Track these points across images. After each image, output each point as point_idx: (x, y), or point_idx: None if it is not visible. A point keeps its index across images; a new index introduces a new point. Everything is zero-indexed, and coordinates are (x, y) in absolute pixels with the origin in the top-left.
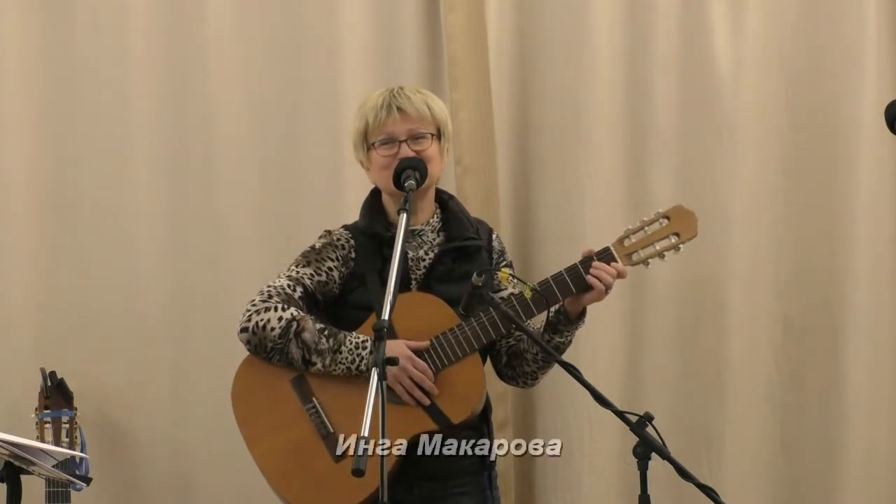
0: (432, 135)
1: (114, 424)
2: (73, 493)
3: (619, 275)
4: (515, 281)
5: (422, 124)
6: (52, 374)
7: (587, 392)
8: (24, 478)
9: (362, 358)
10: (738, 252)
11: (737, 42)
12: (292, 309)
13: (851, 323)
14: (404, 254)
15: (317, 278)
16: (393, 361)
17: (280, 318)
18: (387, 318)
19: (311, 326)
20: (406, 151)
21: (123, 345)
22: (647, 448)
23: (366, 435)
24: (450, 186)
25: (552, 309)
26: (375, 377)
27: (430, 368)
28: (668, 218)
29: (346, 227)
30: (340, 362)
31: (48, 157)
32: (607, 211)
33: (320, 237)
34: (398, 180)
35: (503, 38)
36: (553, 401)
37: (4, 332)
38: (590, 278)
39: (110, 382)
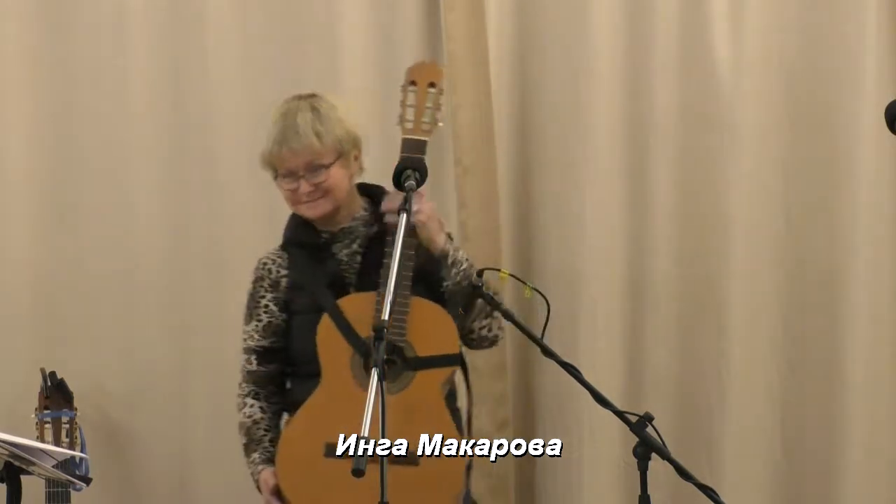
0: (327, 165)
1: (114, 424)
2: (73, 494)
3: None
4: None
5: (316, 157)
6: (52, 374)
7: (587, 392)
8: (23, 478)
9: (253, 473)
10: (737, 251)
11: (737, 42)
12: (240, 416)
13: (851, 323)
14: (403, 254)
15: (261, 326)
16: (393, 361)
17: (239, 424)
18: (386, 318)
19: (240, 437)
20: (304, 187)
21: (123, 345)
22: (647, 448)
23: (365, 435)
24: (450, 186)
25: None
26: (375, 377)
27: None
28: (413, 83)
29: (281, 245)
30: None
31: (48, 157)
32: (607, 211)
33: (253, 272)
34: (398, 180)
35: (503, 38)
36: (553, 401)
37: (4, 332)
38: (387, 219)
39: (110, 382)
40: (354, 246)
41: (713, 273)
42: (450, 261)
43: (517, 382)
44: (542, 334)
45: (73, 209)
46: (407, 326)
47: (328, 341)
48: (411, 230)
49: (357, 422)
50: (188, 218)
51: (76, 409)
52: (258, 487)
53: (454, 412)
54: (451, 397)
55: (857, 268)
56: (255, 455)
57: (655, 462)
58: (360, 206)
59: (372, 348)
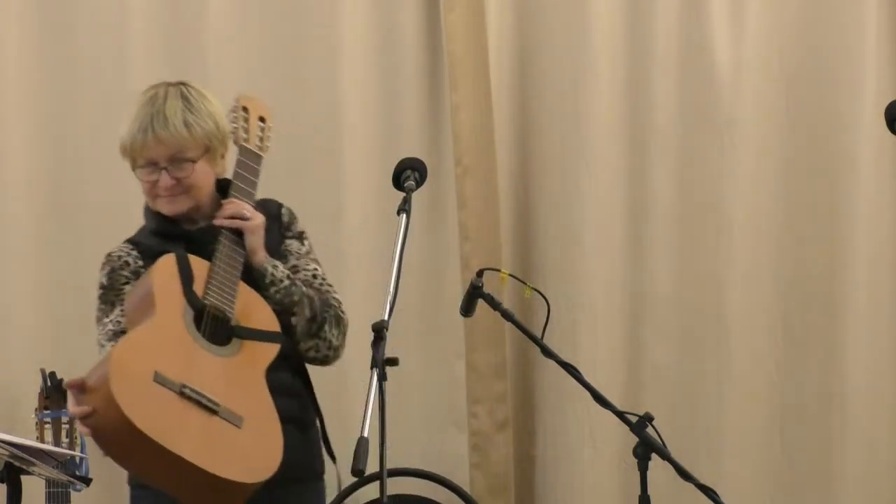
0: (193, 159)
1: None
2: (73, 494)
3: (235, 203)
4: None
5: (182, 149)
6: (52, 374)
7: (587, 392)
8: (24, 478)
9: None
10: (737, 252)
11: (737, 42)
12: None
13: (851, 323)
14: (401, 255)
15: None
16: (393, 361)
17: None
18: (387, 318)
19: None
20: (165, 181)
21: None
22: (647, 448)
23: (365, 435)
24: (450, 187)
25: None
26: (375, 377)
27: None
28: (245, 109)
29: (127, 240)
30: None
31: (48, 157)
32: (607, 211)
33: (101, 268)
34: (398, 180)
35: (503, 38)
36: (553, 401)
37: (4, 332)
38: (219, 221)
39: None
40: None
41: (713, 273)
42: (267, 280)
43: (517, 382)
44: (542, 334)
45: (73, 209)
46: (234, 306)
47: (166, 279)
48: (238, 234)
49: (184, 362)
50: None
51: None
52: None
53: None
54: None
55: (856, 268)
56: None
57: (655, 462)
58: (218, 205)
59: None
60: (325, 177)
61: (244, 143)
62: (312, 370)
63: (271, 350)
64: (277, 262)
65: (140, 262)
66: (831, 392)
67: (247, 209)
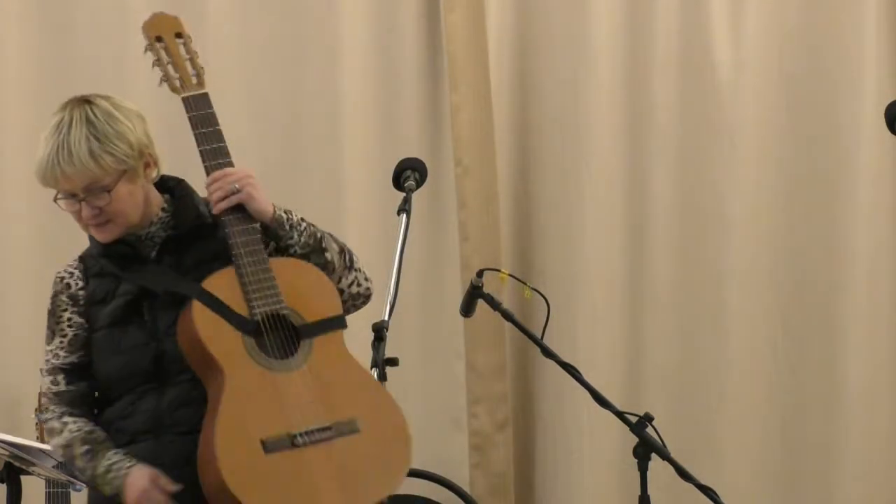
0: (108, 188)
1: None
2: (73, 494)
3: (217, 178)
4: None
5: (93, 180)
6: None
7: (587, 392)
8: (23, 478)
9: (114, 479)
10: (737, 252)
11: (736, 43)
12: (64, 434)
13: (851, 323)
14: (401, 256)
15: (66, 342)
16: (393, 362)
17: (59, 446)
18: (387, 318)
19: (76, 451)
20: (87, 211)
21: None
22: (647, 448)
23: None
24: (449, 186)
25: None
26: (375, 377)
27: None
28: (159, 38)
29: (79, 258)
30: (101, 484)
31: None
32: (607, 211)
33: (52, 287)
34: (398, 181)
35: (503, 38)
36: (553, 401)
37: (4, 332)
38: (217, 207)
39: None
40: (154, 255)
41: (713, 273)
42: (287, 226)
43: (517, 382)
44: (542, 335)
45: None
46: (283, 292)
47: (212, 329)
48: (238, 209)
49: (278, 407)
50: None
51: None
52: (113, 492)
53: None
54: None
55: (856, 268)
56: (112, 455)
57: (655, 462)
58: (158, 208)
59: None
60: (326, 177)
61: (183, 93)
62: None
63: (340, 331)
64: (285, 207)
65: (80, 285)
66: (831, 392)
67: (231, 176)
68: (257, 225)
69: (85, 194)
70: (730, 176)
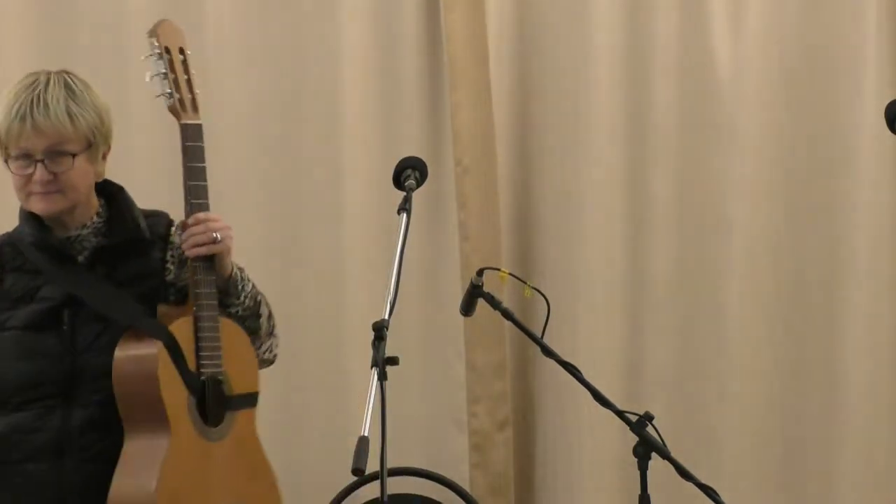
0: (74, 154)
1: None
2: None
3: (201, 221)
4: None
5: (62, 140)
6: None
7: (587, 391)
8: None
9: None
10: (737, 252)
11: (737, 42)
12: None
13: (851, 323)
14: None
15: None
16: (393, 361)
17: None
18: (388, 317)
19: None
20: (42, 174)
21: None
22: (647, 448)
23: (366, 434)
24: (449, 186)
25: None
26: (375, 377)
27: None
28: (167, 50)
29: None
30: None
31: None
32: (607, 211)
33: None
34: (398, 180)
35: (503, 38)
36: (553, 400)
37: None
38: (189, 253)
39: None
40: (81, 259)
41: (713, 273)
42: (239, 286)
43: (517, 382)
44: (542, 334)
45: None
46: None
47: (169, 378)
48: (208, 259)
49: (206, 478)
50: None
51: None
52: None
53: None
54: None
55: (856, 268)
56: None
57: (656, 462)
58: (94, 211)
59: (374, 349)
60: (326, 176)
61: (183, 118)
62: (313, 369)
63: (253, 409)
64: (238, 265)
65: None
66: (831, 391)
67: (215, 223)
68: (215, 277)
69: (45, 155)
70: (730, 176)
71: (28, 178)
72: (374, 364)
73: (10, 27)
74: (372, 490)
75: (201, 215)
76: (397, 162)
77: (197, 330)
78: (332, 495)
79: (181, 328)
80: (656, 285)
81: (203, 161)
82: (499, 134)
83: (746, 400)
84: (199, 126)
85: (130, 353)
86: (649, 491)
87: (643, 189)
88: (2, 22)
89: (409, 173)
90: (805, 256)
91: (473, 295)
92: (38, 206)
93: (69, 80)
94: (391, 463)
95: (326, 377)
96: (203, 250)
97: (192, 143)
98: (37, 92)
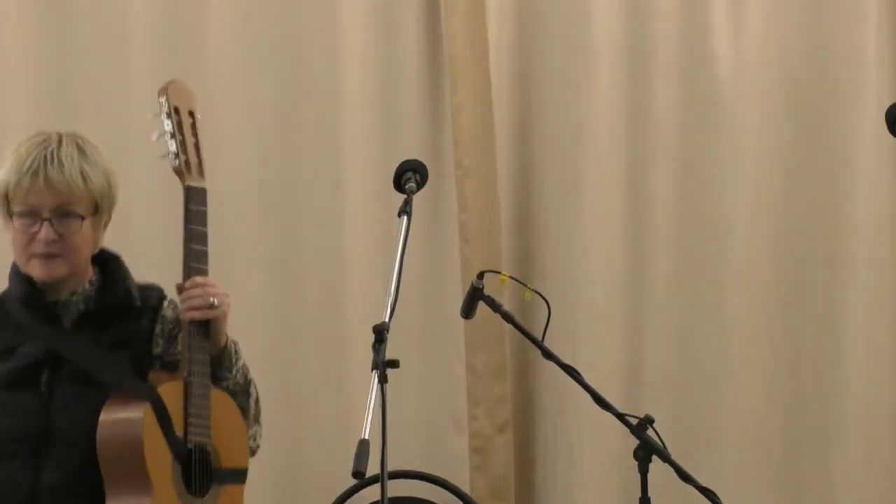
0: (81, 216)
1: None
2: None
3: (200, 284)
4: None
5: (72, 201)
6: None
7: (588, 394)
8: None
9: None
10: (738, 254)
11: (737, 43)
12: None
13: (851, 325)
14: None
15: None
16: (393, 363)
17: None
18: (388, 320)
19: None
20: (48, 233)
21: None
22: (647, 450)
23: (366, 437)
24: (450, 189)
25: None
26: (375, 379)
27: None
28: (177, 111)
29: None
30: None
31: None
32: (608, 213)
33: None
34: (399, 182)
35: (504, 40)
36: (553, 403)
37: None
38: (185, 316)
39: None
40: (64, 322)
41: (713, 274)
42: (234, 358)
43: (518, 384)
44: (543, 336)
45: None
46: (211, 426)
47: (154, 441)
48: (203, 324)
49: None
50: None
51: None
52: None
53: None
54: None
55: (856, 269)
56: None
57: (656, 464)
58: (87, 279)
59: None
60: (326, 179)
61: (188, 181)
62: (312, 372)
63: (242, 486)
64: (233, 338)
65: None
66: (832, 393)
67: (214, 288)
68: (209, 345)
69: (52, 214)
70: (730, 176)
71: (32, 237)
72: (375, 367)
73: (10, 27)
74: (372, 493)
75: (200, 279)
76: (398, 165)
77: (187, 395)
78: (333, 498)
79: (170, 392)
80: (656, 287)
81: (205, 226)
82: (499, 136)
83: (746, 402)
84: (204, 191)
85: (116, 417)
86: (650, 494)
87: (643, 190)
88: (2, 22)
89: (409, 176)
90: (805, 256)
91: (474, 297)
92: (37, 272)
93: (80, 142)
94: (391, 466)
95: (327, 380)
96: (199, 314)
97: (195, 207)
98: (50, 149)
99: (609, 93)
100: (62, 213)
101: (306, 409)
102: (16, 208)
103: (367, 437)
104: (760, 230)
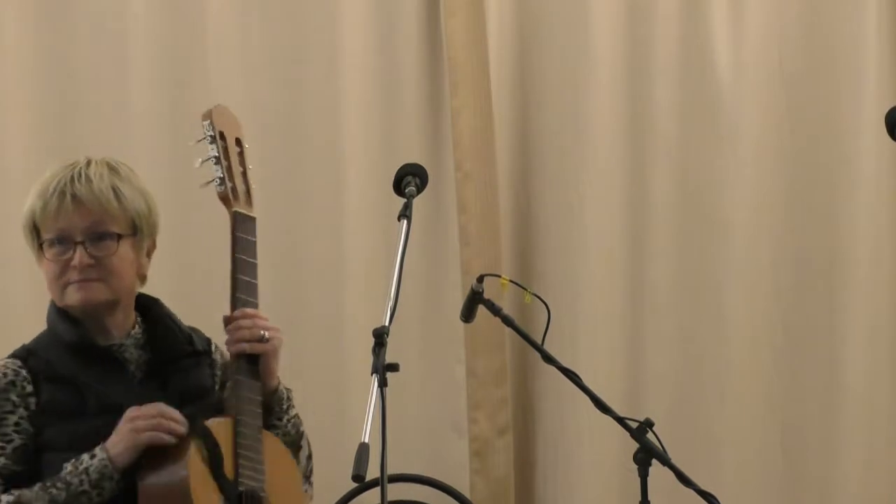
0: (120, 236)
1: None
2: None
3: (250, 315)
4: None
5: (105, 219)
6: None
7: (588, 398)
8: None
9: (87, 474)
10: (738, 256)
11: (737, 44)
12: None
13: (851, 328)
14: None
15: (10, 450)
16: (393, 367)
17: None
18: (388, 324)
19: (32, 494)
20: (82, 258)
21: None
22: (647, 454)
23: (366, 440)
24: (450, 192)
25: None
26: (375, 383)
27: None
28: (222, 136)
29: (16, 355)
30: (75, 493)
31: (48, 158)
32: (608, 216)
33: None
34: (399, 186)
35: (504, 43)
36: (553, 407)
37: (4, 333)
38: (234, 348)
39: None
40: (132, 368)
41: (713, 276)
42: (286, 405)
43: (518, 388)
44: (543, 340)
45: None
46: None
47: (201, 482)
48: (252, 358)
49: None
50: (188, 222)
51: None
52: (103, 473)
53: None
54: None
55: (856, 270)
56: (70, 467)
57: (656, 468)
58: (133, 322)
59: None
60: (326, 183)
61: (235, 207)
62: (313, 375)
63: None
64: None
65: (29, 389)
66: (832, 396)
67: (264, 321)
68: (260, 384)
69: (85, 237)
70: (730, 178)
71: (65, 265)
72: (375, 370)
73: (10, 27)
74: (372, 497)
75: (250, 311)
76: (398, 168)
77: (236, 435)
78: (333, 502)
79: (217, 428)
80: (657, 290)
81: (255, 257)
82: (499, 139)
83: (747, 406)
84: (254, 220)
85: (161, 481)
86: (650, 497)
87: (643, 193)
88: (2, 22)
89: (409, 180)
90: (805, 259)
91: (474, 301)
92: (75, 297)
93: (112, 162)
94: (391, 469)
95: (327, 383)
96: (247, 347)
97: (244, 236)
98: (77, 169)
99: (609, 94)
100: (96, 235)
101: (306, 412)
102: (46, 236)
103: (367, 441)
104: (760, 231)
